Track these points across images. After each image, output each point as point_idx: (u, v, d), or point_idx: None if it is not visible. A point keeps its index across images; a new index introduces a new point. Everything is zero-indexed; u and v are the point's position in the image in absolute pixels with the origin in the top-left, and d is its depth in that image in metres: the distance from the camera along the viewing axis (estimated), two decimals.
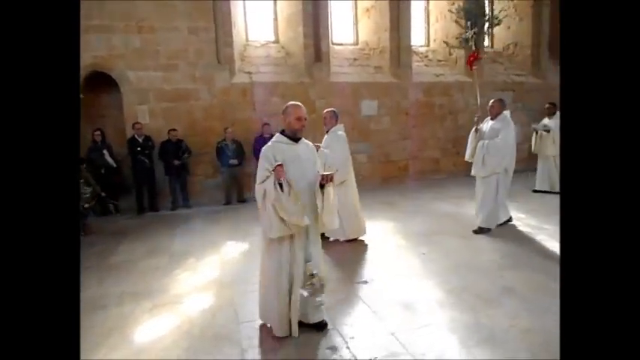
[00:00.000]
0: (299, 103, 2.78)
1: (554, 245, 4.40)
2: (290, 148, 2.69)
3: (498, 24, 5.12)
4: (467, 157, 5.15)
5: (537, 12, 9.96)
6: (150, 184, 7.04)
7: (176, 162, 6.93)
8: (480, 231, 4.92)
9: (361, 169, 8.56)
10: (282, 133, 2.76)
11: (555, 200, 6.50)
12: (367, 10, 9.24)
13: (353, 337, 2.74)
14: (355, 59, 9.15)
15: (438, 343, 2.63)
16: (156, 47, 7.00)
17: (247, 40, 8.61)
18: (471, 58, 5.15)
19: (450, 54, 9.69)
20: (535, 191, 7.27)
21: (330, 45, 8.45)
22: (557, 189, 6.92)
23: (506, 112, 4.95)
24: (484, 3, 4.87)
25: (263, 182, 2.57)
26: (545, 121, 7.25)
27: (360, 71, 8.88)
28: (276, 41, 8.75)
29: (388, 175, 8.85)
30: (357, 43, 9.52)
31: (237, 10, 8.04)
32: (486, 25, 4.78)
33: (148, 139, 6.93)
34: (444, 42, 5.07)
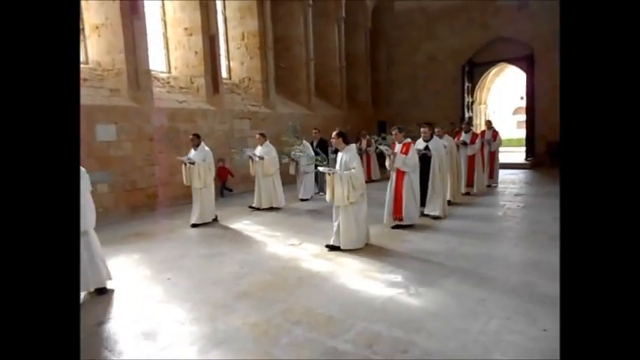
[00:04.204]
0: None
1: (278, 250, 5.40)
2: None
3: None
4: None
5: (263, 53, 11.81)
6: None
7: None
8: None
9: (103, 201, 7.77)
10: None
11: (216, 228, 7.86)
12: (97, 27, 8.54)
13: None
14: (86, 79, 8.26)
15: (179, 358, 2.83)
16: None
17: None
18: None
19: (192, 82, 10.18)
20: (194, 225, 6.89)
21: None
22: (210, 219, 7.04)
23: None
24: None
25: None
26: (191, 153, 7.15)
27: (93, 93, 8.09)
28: None
29: (136, 204, 8.38)
30: (87, 63, 8.63)
31: None
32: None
33: None
34: None
